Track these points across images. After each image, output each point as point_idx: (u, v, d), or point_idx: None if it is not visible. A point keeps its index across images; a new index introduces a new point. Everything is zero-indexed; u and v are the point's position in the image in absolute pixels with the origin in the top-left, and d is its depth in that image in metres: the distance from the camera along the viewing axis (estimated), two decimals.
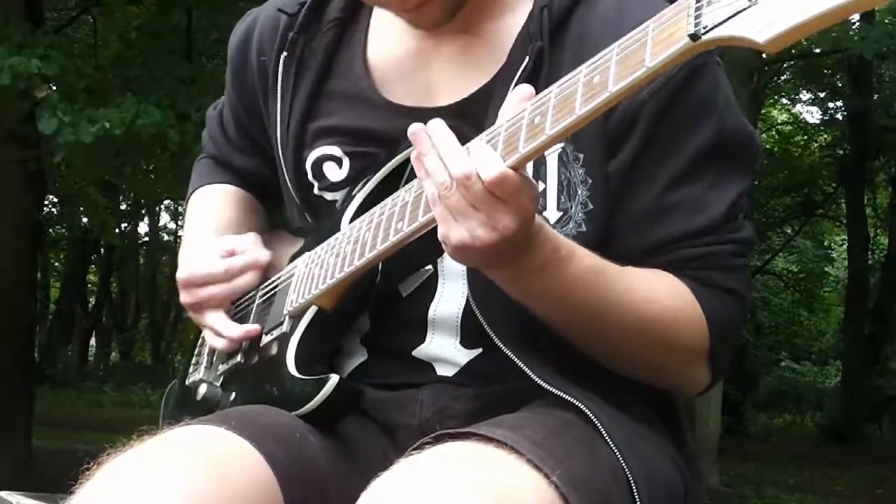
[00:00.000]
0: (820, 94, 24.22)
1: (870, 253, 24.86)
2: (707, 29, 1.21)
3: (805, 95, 25.21)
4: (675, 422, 1.82)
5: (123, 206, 26.65)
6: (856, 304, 22.51)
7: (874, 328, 22.37)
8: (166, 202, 27.91)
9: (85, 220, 20.18)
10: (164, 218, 32.94)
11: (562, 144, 1.66)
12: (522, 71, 1.70)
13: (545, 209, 1.68)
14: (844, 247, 26.41)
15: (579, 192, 1.69)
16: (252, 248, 1.94)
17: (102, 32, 15.95)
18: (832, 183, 25.25)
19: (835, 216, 27.35)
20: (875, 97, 21.63)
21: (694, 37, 1.23)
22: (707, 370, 1.74)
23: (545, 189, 1.69)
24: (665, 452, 1.71)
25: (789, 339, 30.33)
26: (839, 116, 24.59)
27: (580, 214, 1.69)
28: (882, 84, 21.22)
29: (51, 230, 23.13)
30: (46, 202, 17.69)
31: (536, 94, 1.48)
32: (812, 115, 27.05)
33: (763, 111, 23.75)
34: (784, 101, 26.38)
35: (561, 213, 1.69)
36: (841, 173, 23.60)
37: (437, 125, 1.52)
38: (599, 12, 1.73)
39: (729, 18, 1.19)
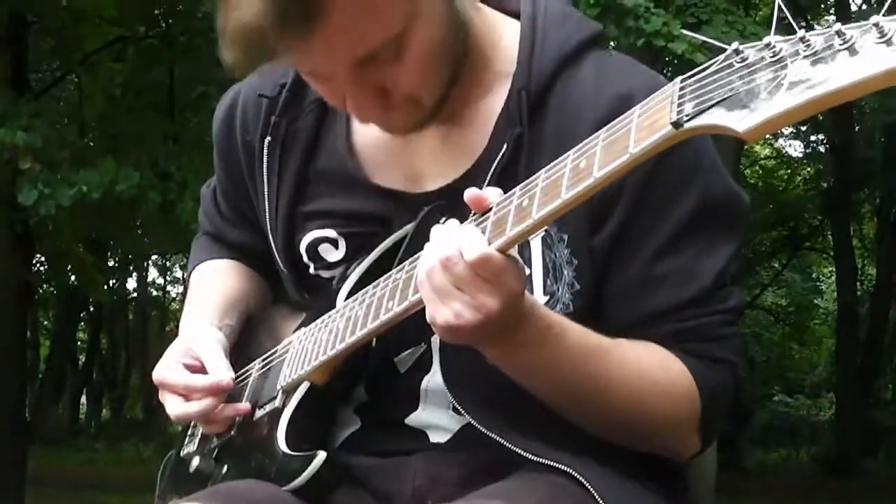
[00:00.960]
0: (802, 127, 24.30)
1: (859, 284, 24.87)
2: (689, 117, 1.23)
3: (787, 129, 25.28)
4: (673, 478, 1.81)
5: (111, 263, 26.60)
6: (847, 335, 22.49)
7: (866, 359, 22.34)
8: (154, 257, 27.91)
9: (73, 277, 20.11)
10: (153, 273, 32.94)
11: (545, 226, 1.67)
12: (500, 158, 1.71)
13: (532, 293, 1.67)
14: (833, 279, 26.43)
15: (565, 272, 1.69)
16: (213, 369, 1.86)
17: (87, 91, 16.00)
18: (818, 215, 25.31)
19: (822, 248, 27.40)
20: (857, 128, 21.74)
21: (676, 125, 1.24)
22: (697, 438, 1.74)
23: (531, 274, 1.69)
24: None
25: (781, 373, 30.29)
26: (821, 149, 24.69)
27: (567, 295, 1.70)
28: (863, 116, 21.34)
29: (39, 288, 23.07)
30: (34, 261, 17.66)
31: (518, 177, 1.50)
32: (795, 149, 27.18)
33: (746, 147, 23.83)
34: (766, 135, 26.47)
35: (548, 297, 1.70)
36: (826, 205, 23.66)
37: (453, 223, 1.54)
38: (577, 89, 1.73)
39: (710, 107, 1.21)
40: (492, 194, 1.51)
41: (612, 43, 8.44)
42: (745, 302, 1.80)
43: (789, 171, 26.93)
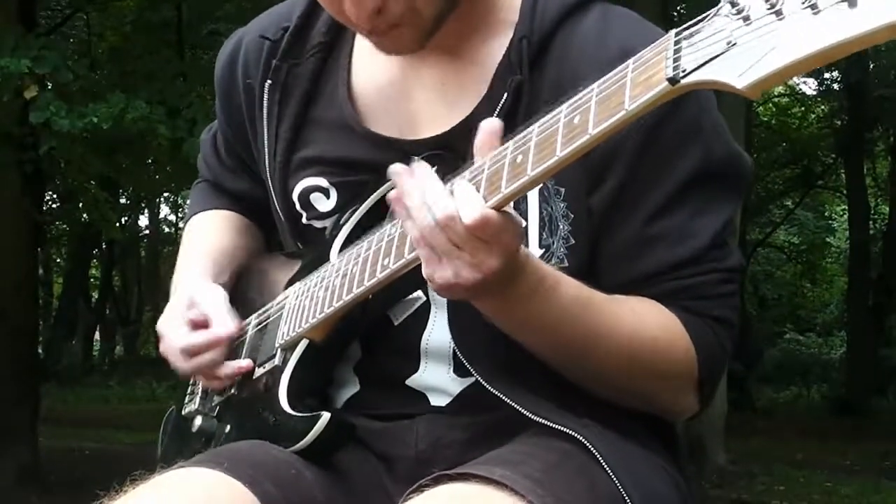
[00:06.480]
0: None
1: (871, 222, 24.81)
2: (686, 73, 1.20)
3: None
4: (672, 441, 1.80)
5: (123, 200, 26.65)
6: (858, 274, 22.48)
7: (878, 298, 22.35)
8: (166, 194, 27.92)
9: (85, 215, 20.15)
10: (165, 210, 33.01)
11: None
12: (501, 106, 1.68)
13: (527, 246, 1.65)
14: (845, 217, 26.37)
15: (561, 226, 1.67)
16: (217, 322, 1.86)
17: (96, 29, 15.95)
18: (831, 154, 25.20)
19: (835, 187, 27.32)
20: (871, 66, 21.57)
21: (672, 80, 1.21)
22: (695, 397, 1.72)
23: (527, 227, 1.67)
24: (665, 474, 1.70)
25: (793, 312, 30.34)
26: (836, 87, 24.52)
27: (562, 250, 1.67)
28: (878, 53, 21.15)
29: (51, 226, 23.13)
30: (47, 198, 17.69)
31: (516, 126, 1.47)
32: (809, 87, 26.96)
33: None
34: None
35: (543, 250, 1.68)
36: (840, 144, 23.55)
37: (421, 166, 1.50)
38: (578, 40, 1.70)
39: (707, 62, 1.17)
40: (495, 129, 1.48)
41: None
42: (744, 260, 1.78)
43: (803, 108, 26.77)
